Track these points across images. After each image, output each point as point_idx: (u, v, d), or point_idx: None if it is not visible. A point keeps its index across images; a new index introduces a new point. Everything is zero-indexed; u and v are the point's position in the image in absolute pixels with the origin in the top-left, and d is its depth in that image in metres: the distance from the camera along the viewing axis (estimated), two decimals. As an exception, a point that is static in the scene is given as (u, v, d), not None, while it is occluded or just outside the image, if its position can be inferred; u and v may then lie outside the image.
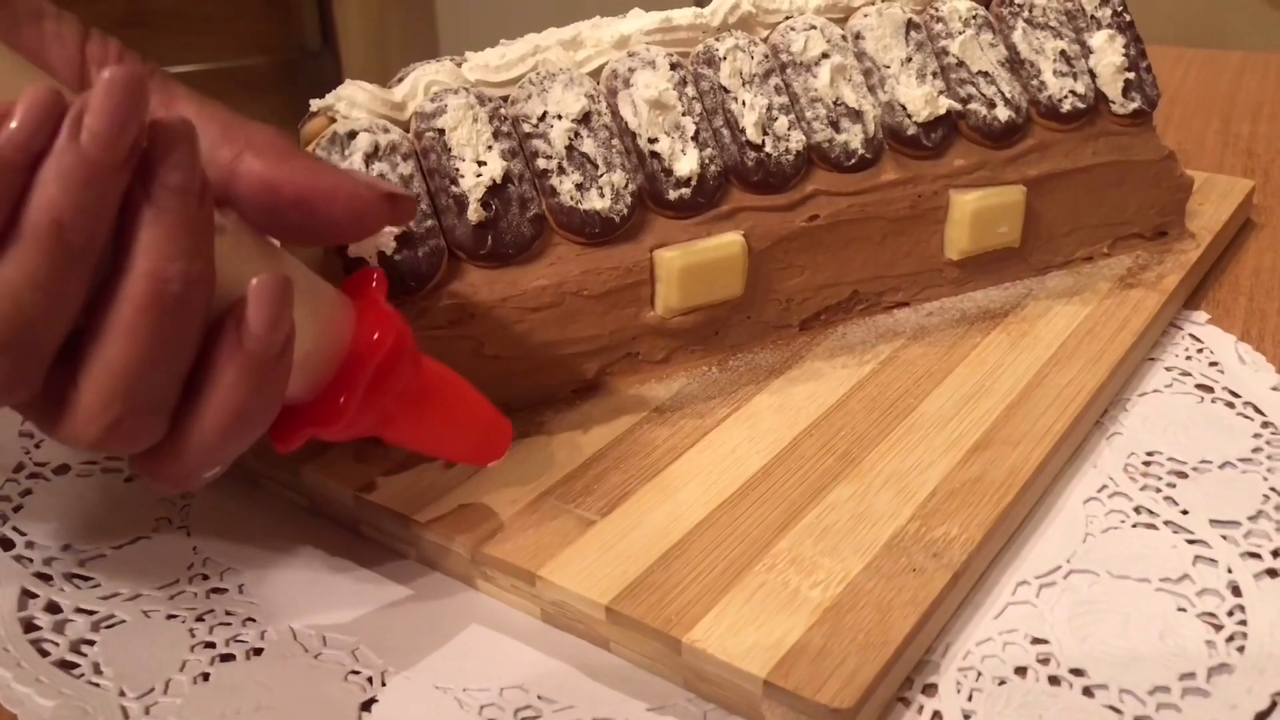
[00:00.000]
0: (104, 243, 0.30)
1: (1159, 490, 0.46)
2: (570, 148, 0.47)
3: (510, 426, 0.43)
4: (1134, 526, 0.44)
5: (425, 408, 0.40)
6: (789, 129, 0.51)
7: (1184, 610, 0.40)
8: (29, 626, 0.40)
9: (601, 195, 0.47)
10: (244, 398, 0.33)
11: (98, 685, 0.38)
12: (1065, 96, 0.56)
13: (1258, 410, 0.50)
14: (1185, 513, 0.44)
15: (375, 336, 0.38)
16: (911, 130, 0.53)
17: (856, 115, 0.52)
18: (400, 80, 0.48)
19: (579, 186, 0.47)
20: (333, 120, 0.45)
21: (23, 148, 0.29)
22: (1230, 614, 0.40)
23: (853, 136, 0.52)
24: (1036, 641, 0.39)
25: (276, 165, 0.36)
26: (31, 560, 0.43)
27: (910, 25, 0.54)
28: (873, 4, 0.54)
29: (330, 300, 0.38)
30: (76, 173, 0.29)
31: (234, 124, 0.37)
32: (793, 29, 0.52)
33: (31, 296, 0.29)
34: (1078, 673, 0.38)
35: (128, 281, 0.31)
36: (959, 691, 0.37)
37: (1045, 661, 0.38)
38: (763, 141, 0.50)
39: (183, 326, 0.32)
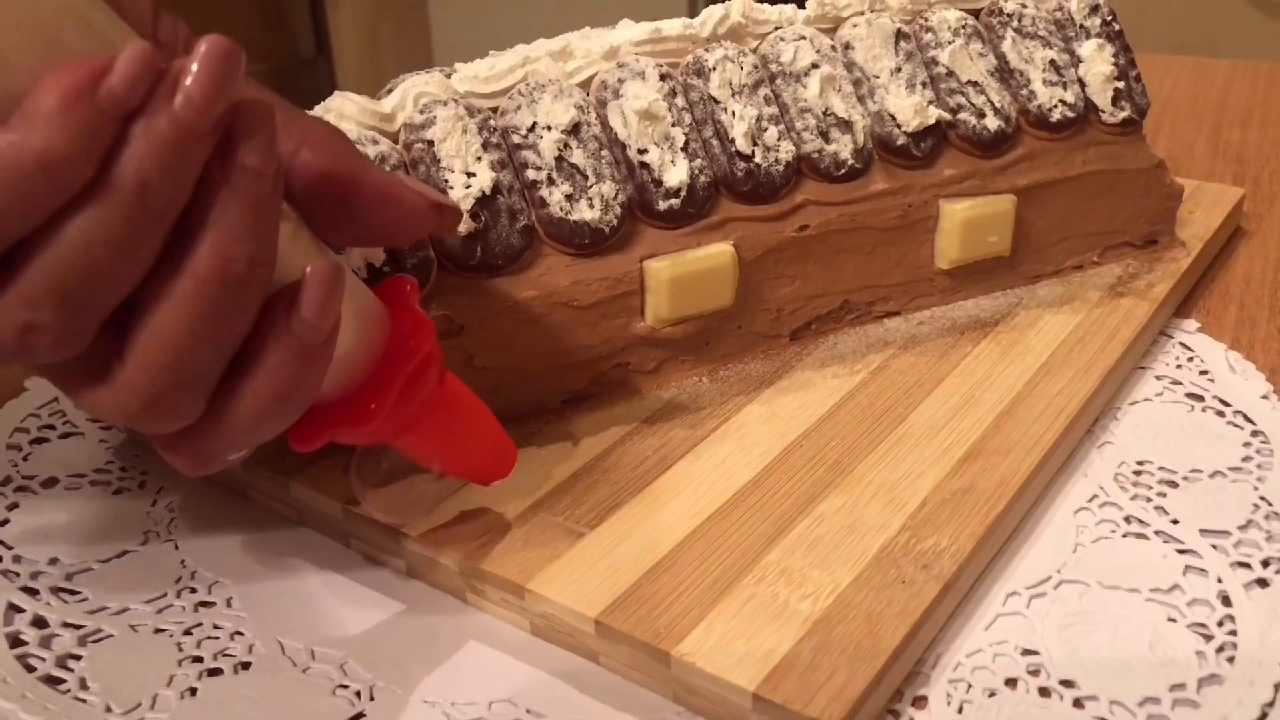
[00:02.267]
0: (179, 210, 0.30)
1: (1149, 500, 0.46)
2: (560, 158, 0.47)
3: (516, 450, 0.43)
4: (1124, 536, 0.44)
5: (443, 420, 0.40)
6: (778, 139, 0.51)
7: (1174, 620, 0.40)
8: (15, 641, 0.40)
9: (591, 206, 0.47)
10: (284, 382, 0.33)
11: (84, 701, 0.38)
12: (1055, 106, 0.56)
13: (1248, 419, 0.50)
14: (1176, 522, 0.44)
15: (411, 343, 0.38)
16: (901, 140, 0.53)
17: (846, 125, 0.52)
18: (389, 91, 0.47)
19: (568, 197, 0.47)
20: (321, 131, 0.45)
21: (121, 102, 0.28)
22: (1220, 624, 0.40)
23: (842, 146, 0.52)
24: (1027, 653, 0.39)
25: (332, 163, 0.36)
26: (18, 574, 0.43)
27: (900, 35, 0.54)
28: (862, 14, 0.55)
29: (371, 302, 0.38)
30: (167, 135, 0.29)
31: (293, 117, 0.37)
32: (782, 39, 0.52)
33: (104, 252, 0.29)
34: (1068, 684, 0.38)
35: (193, 256, 0.30)
36: (949, 703, 0.37)
37: (1035, 673, 0.38)
38: (752, 152, 0.50)
39: (240, 308, 0.32)
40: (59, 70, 0.28)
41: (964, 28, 0.56)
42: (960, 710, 0.37)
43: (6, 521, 0.46)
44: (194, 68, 0.29)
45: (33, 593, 0.42)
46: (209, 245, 0.30)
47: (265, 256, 0.32)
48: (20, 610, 0.42)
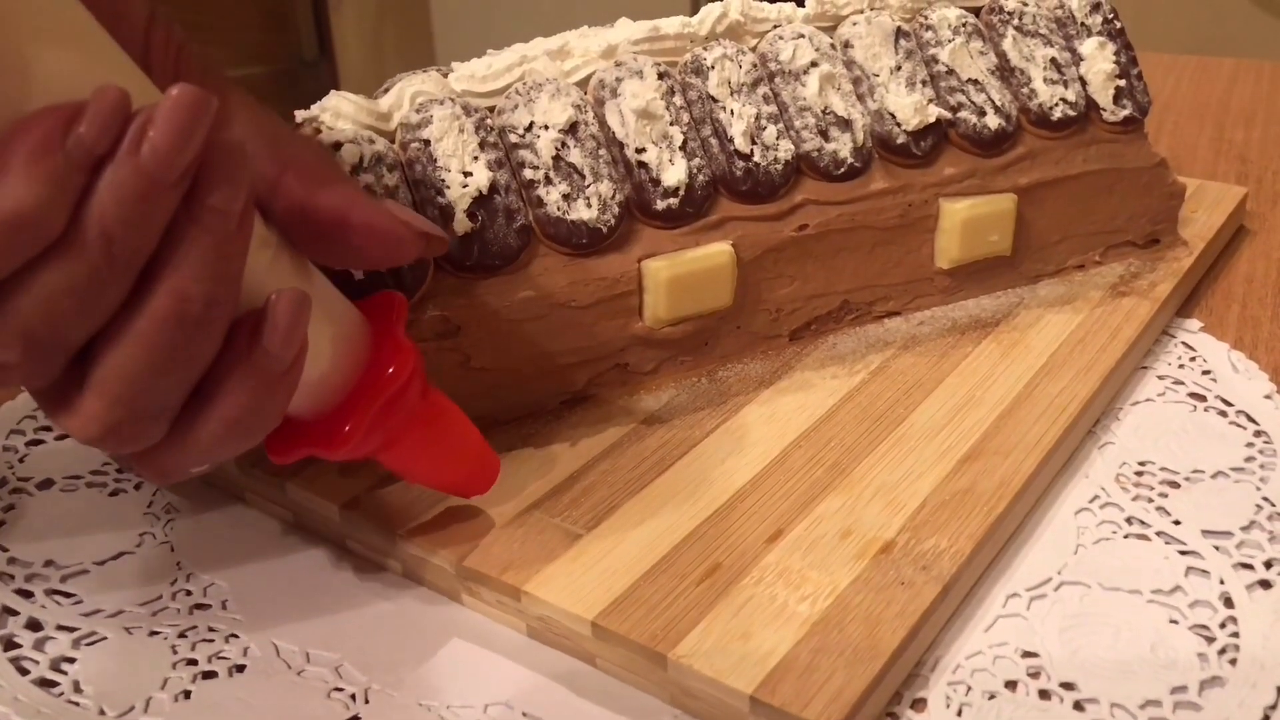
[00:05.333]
0: (146, 258, 0.30)
1: (1151, 500, 0.45)
2: (557, 158, 0.47)
3: (499, 462, 0.43)
4: (1126, 537, 0.44)
5: (424, 436, 0.40)
6: (777, 138, 0.51)
7: (1176, 622, 0.40)
8: (9, 644, 0.40)
9: (589, 205, 0.47)
10: (244, 408, 0.33)
11: (77, 704, 0.38)
12: (1056, 104, 0.56)
13: (1250, 419, 0.50)
14: (1177, 523, 0.44)
15: (390, 371, 0.38)
16: (901, 139, 0.53)
17: (845, 124, 0.52)
18: (386, 91, 0.47)
19: (566, 197, 0.47)
20: (318, 131, 0.45)
21: (90, 151, 0.28)
22: (1222, 626, 0.39)
23: (842, 145, 0.52)
24: (1027, 655, 0.39)
25: (316, 190, 0.36)
26: (13, 576, 0.43)
27: (899, 33, 0.54)
28: (861, 12, 0.54)
29: (352, 325, 0.38)
30: (132, 186, 0.29)
31: (281, 139, 0.37)
32: (781, 38, 0.52)
33: (69, 301, 0.29)
34: (1068, 686, 0.37)
35: (150, 294, 0.30)
36: (948, 706, 0.37)
37: (1036, 675, 0.38)
38: (751, 151, 0.50)
39: (196, 345, 0.32)
40: (27, 121, 0.28)
41: (964, 26, 0.55)
42: (960, 713, 0.37)
43: (2, 523, 0.46)
44: (162, 118, 0.29)
45: (27, 595, 0.42)
46: (166, 285, 0.30)
47: (224, 296, 0.31)
48: (14, 613, 0.41)
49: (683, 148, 0.49)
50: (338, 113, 0.45)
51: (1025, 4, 0.57)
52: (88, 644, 0.40)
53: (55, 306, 0.29)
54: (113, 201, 0.29)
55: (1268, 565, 0.42)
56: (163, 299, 0.30)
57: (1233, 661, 0.38)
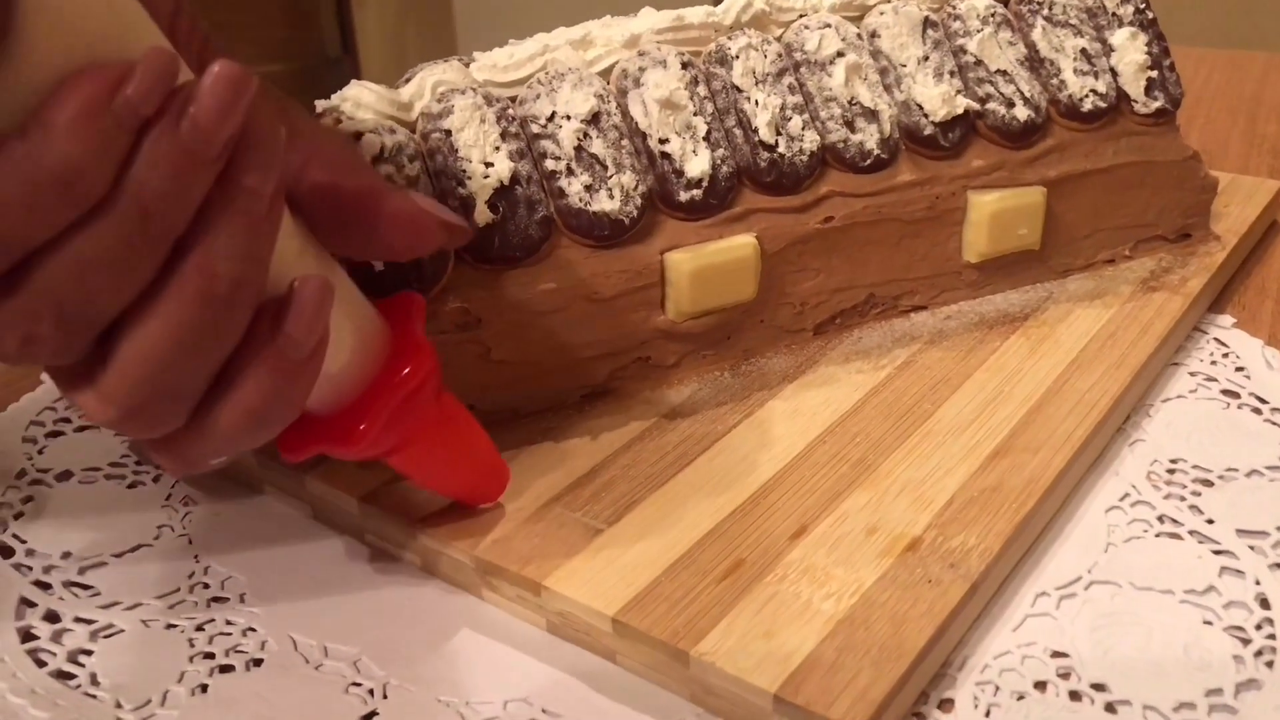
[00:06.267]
0: (179, 233, 0.30)
1: (1183, 499, 0.44)
2: (579, 148, 0.46)
3: (509, 471, 0.43)
4: (1157, 536, 0.43)
5: (436, 440, 0.40)
6: (803, 129, 0.50)
7: (1210, 623, 0.39)
8: (26, 636, 0.40)
9: (611, 197, 0.46)
10: (265, 395, 0.33)
11: (94, 697, 0.37)
12: (1086, 95, 0.55)
13: (1286, 416, 0.49)
14: (1211, 522, 0.43)
15: (406, 371, 0.37)
16: (928, 130, 0.52)
17: (872, 115, 0.51)
18: (407, 80, 0.47)
19: (588, 188, 0.46)
20: (338, 121, 0.44)
21: (136, 113, 0.28)
22: (1258, 627, 0.39)
23: (868, 136, 0.51)
24: (1056, 655, 0.38)
25: (341, 179, 0.36)
26: (31, 568, 0.43)
27: (927, 23, 0.53)
28: (888, 2, 0.53)
29: (371, 321, 0.37)
30: (170, 159, 0.28)
31: (305, 129, 0.36)
32: (807, 27, 0.51)
33: (103, 274, 0.29)
34: (1099, 688, 0.37)
35: (179, 272, 0.30)
36: (976, 706, 0.36)
37: (1065, 676, 0.37)
38: (776, 142, 0.49)
39: (222, 326, 0.31)
40: (77, 79, 0.27)
41: (993, 16, 0.55)
42: (988, 713, 0.36)
43: (21, 515, 0.46)
44: (205, 92, 0.28)
45: (45, 587, 0.42)
46: (195, 263, 0.30)
47: (252, 277, 0.31)
48: (32, 604, 0.41)
49: (706, 138, 0.48)
50: (358, 102, 0.45)
51: (1055, -6, 0.56)
52: (105, 637, 0.40)
53: (88, 278, 0.29)
54: (151, 174, 0.28)
55: (1304, 565, 0.41)
56: (192, 277, 0.30)
57: (1269, 664, 0.37)
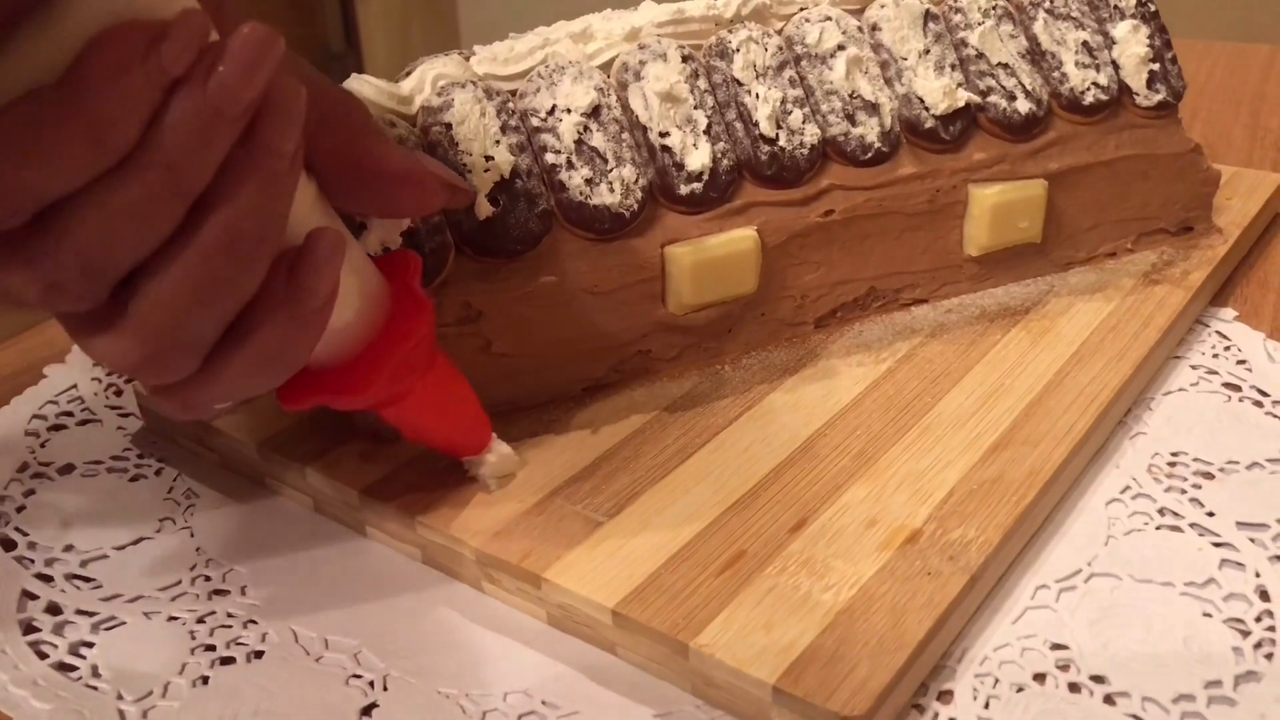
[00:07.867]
0: (203, 187, 0.30)
1: (1184, 491, 0.44)
2: (579, 142, 0.46)
3: (490, 426, 0.43)
4: (1158, 529, 0.43)
5: (430, 394, 0.41)
6: (803, 122, 0.50)
7: (1210, 615, 0.39)
8: (28, 628, 0.40)
9: (611, 190, 0.46)
10: (275, 343, 0.33)
11: (95, 688, 0.37)
12: (1088, 88, 0.55)
13: (1287, 409, 0.49)
14: (1211, 515, 0.43)
15: (410, 323, 0.38)
16: (929, 123, 0.52)
17: (873, 108, 0.51)
18: (408, 74, 0.47)
19: (588, 181, 0.46)
20: (338, 115, 0.44)
21: (169, 70, 0.28)
22: (1258, 619, 0.39)
23: (869, 130, 0.51)
24: (1056, 647, 0.38)
25: (353, 138, 0.37)
26: (33, 561, 0.43)
27: (928, 16, 0.53)
28: (889, -5, 0.53)
29: (375, 277, 0.38)
30: (196, 116, 0.29)
31: (318, 88, 0.37)
32: (807, 20, 0.51)
33: (128, 224, 0.29)
34: (1099, 679, 0.37)
35: (200, 225, 0.31)
36: (975, 698, 0.36)
37: (1065, 668, 0.37)
38: (776, 135, 0.49)
39: (239, 278, 0.32)
40: (113, 34, 0.28)
41: (994, 9, 0.54)
42: (987, 705, 0.36)
43: (23, 508, 0.46)
44: (231, 53, 0.29)
45: (47, 579, 0.42)
46: (217, 218, 0.30)
47: (270, 232, 0.32)
48: (34, 597, 0.41)
49: (707, 131, 0.48)
50: (358, 95, 0.44)
51: (1057, -14, 0.56)
52: (107, 629, 0.40)
53: (113, 228, 0.29)
54: (178, 129, 0.29)
55: (1305, 558, 0.41)
56: (213, 230, 0.31)
57: (1269, 656, 0.37)
